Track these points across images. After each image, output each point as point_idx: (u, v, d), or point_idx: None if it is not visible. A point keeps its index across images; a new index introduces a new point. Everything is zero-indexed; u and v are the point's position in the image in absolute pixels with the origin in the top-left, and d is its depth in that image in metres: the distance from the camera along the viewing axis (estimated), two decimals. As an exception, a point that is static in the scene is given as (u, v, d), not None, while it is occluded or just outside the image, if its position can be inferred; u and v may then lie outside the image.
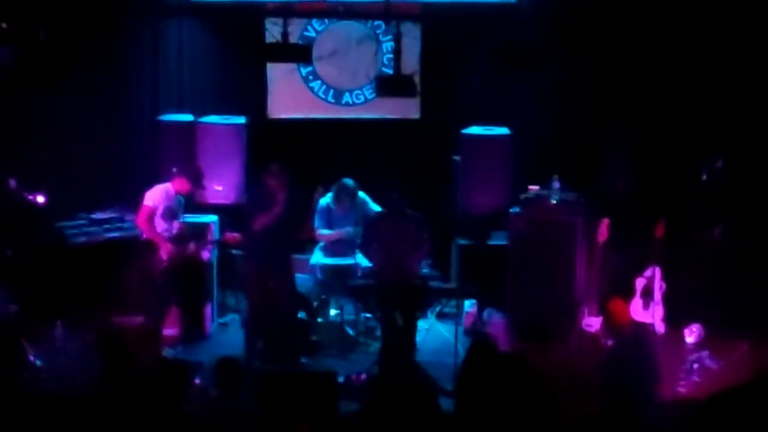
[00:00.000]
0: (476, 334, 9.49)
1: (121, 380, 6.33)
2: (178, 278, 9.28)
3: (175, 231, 9.27)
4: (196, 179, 9.37)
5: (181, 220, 9.37)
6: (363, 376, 8.60)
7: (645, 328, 7.86)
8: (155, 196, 9.13)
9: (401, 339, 8.81)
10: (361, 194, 9.92)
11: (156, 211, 9.12)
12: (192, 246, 9.46)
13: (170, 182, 9.24)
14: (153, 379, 6.14)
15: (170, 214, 9.24)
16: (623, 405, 6.63)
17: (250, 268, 9.17)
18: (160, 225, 9.16)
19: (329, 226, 9.80)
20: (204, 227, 9.88)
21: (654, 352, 7.15)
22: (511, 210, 9.79)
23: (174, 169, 9.27)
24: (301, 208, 9.19)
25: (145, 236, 9.16)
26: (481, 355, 5.93)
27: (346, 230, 9.74)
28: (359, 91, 11.46)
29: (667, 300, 9.53)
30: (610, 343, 8.95)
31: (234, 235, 9.43)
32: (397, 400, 5.62)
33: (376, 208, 9.80)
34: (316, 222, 9.75)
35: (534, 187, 9.91)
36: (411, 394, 5.74)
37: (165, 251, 9.10)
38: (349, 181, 9.72)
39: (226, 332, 10.17)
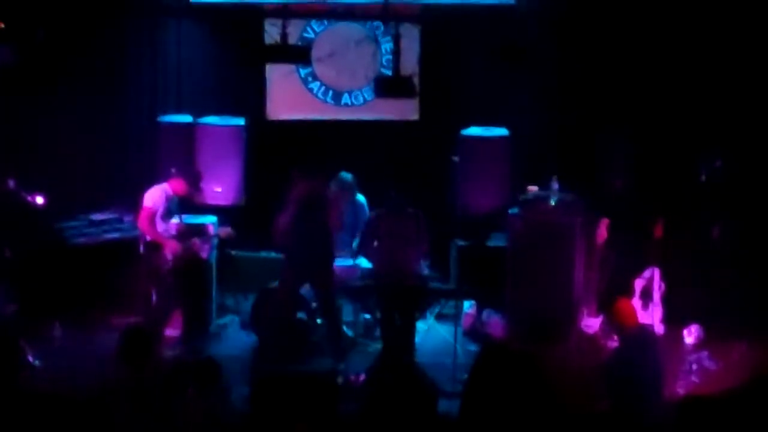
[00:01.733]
0: (485, 337, 9.48)
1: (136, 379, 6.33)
2: (182, 278, 9.28)
3: (173, 230, 9.27)
4: (194, 182, 9.38)
5: (179, 218, 9.37)
6: (362, 377, 8.60)
7: (649, 329, 7.85)
8: (155, 196, 9.12)
9: (400, 339, 8.82)
10: (360, 198, 9.92)
11: (157, 212, 9.12)
12: (197, 242, 9.47)
13: (167, 182, 9.25)
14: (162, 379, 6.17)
15: (168, 215, 9.25)
16: (627, 405, 6.63)
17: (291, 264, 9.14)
18: (160, 226, 9.17)
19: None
20: (203, 228, 9.87)
21: (658, 353, 7.14)
22: (509, 211, 9.78)
23: (173, 170, 9.27)
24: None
25: (148, 238, 9.14)
26: (494, 357, 5.91)
27: None
28: (358, 92, 11.47)
29: (666, 301, 9.53)
30: (609, 343, 8.98)
31: (226, 230, 9.45)
32: (396, 401, 5.62)
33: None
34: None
35: (533, 188, 9.89)
36: (410, 395, 5.74)
37: (170, 251, 9.10)
38: (347, 175, 9.72)
39: (226, 333, 10.17)
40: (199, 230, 9.69)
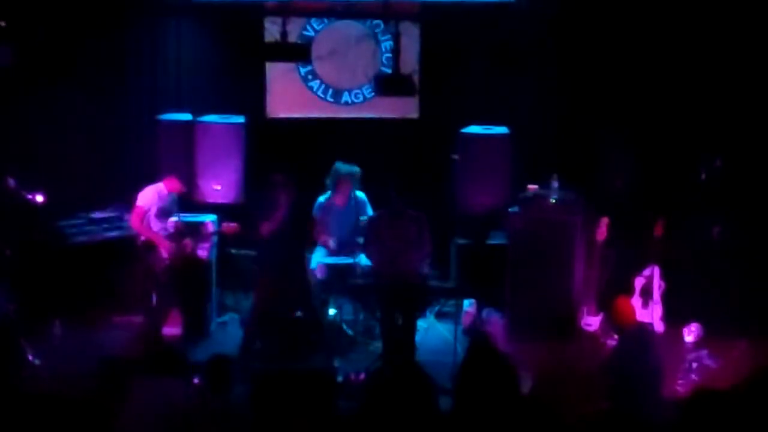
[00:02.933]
0: (475, 333, 9.49)
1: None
2: (178, 277, 9.29)
3: (170, 229, 9.28)
4: (187, 179, 9.41)
5: (177, 217, 9.37)
6: (362, 376, 8.60)
7: (648, 328, 7.86)
8: (147, 196, 9.17)
9: (400, 338, 8.82)
10: (361, 194, 9.92)
11: (149, 212, 9.15)
12: (189, 242, 9.45)
13: (162, 182, 9.28)
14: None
15: (164, 214, 9.27)
16: (627, 403, 6.64)
17: (261, 270, 9.20)
18: (156, 225, 9.19)
19: (329, 222, 9.80)
20: (201, 225, 9.85)
21: (657, 352, 7.15)
22: (510, 209, 9.79)
23: (168, 169, 9.32)
24: (305, 209, 9.28)
25: (142, 237, 9.17)
26: (481, 354, 5.93)
27: (330, 241, 9.75)
28: (358, 91, 11.46)
29: (665, 299, 9.54)
30: (609, 342, 8.99)
31: (231, 225, 9.45)
32: (396, 399, 5.64)
33: (371, 213, 9.82)
34: (315, 217, 9.77)
35: (533, 187, 9.90)
36: (410, 393, 5.75)
37: (165, 250, 9.12)
38: (342, 166, 9.72)
39: (226, 331, 10.18)
40: (194, 229, 9.67)
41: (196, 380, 7.04)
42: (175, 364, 6.44)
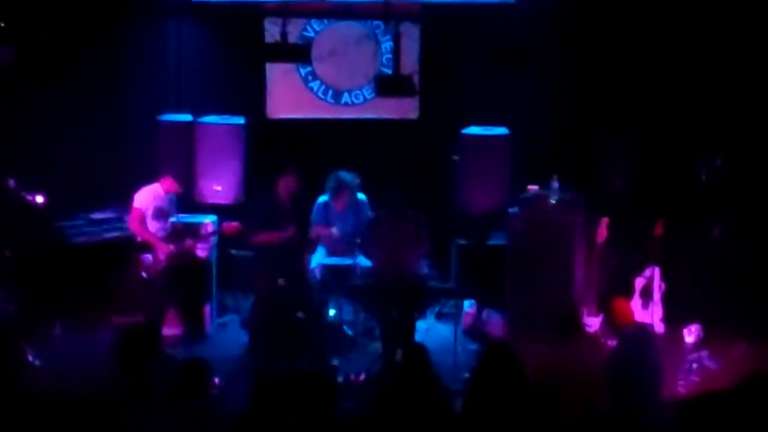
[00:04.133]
0: (487, 338, 9.48)
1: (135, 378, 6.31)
2: (176, 278, 9.28)
3: (168, 230, 9.28)
4: (184, 179, 9.42)
5: (174, 218, 9.37)
6: (362, 376, 8.60)
7: (647, 328, 7.85)
8: (143, 197, 9.18)
9: (400, 339, 8.82)
10: (361, 196, 9.91)
11: (146, 213, 9.16)
12: (188, 242, 9.43)
13: (159, 182, 9.29)
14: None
15: (161, 214, 9.27)
16: (627, 404, 6.63)
17: (260, 270, 9.23)
18: (153, 225, 9.20)
19: (327, 225, 9.79)
20: (199, 225, 9.83)
21: (657, 352, 7.14)
22: (510, 210, 9.79)
23: (170, 166, 9.34)
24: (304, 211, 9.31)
25: (139, 239, 9.17)
26: (498, 359, 5.92)
27: (332, 231, 9.72)
28: (358, 91, 11.46)
29: (666, 300, 9.54)
30: (609, 342, 8.98)
31: (232, 225, 9.45)
32: (410, 402, 5.67)
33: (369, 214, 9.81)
34: (313, 219, 9.75)
35: (533, 187, 9.90)
36: (424, 396, 5.78)
37: (162, 251, 9.12)
38: (345, 175, 9.70)
39: (226, 332, 10.18)
40: (192, 230, 9.66)
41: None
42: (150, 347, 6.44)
